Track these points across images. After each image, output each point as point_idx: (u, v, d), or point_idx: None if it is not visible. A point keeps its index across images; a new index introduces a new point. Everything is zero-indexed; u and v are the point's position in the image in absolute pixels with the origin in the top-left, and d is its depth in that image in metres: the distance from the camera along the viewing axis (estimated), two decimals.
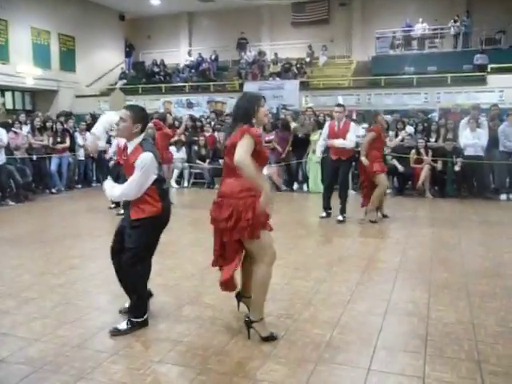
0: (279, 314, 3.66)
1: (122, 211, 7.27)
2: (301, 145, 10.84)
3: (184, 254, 5.62)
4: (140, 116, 3.35)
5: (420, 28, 18.43)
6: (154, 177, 3.32)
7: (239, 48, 20.92)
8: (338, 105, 7.67)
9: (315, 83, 18.03)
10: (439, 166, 9.66)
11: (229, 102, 16.85)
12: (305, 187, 10.90)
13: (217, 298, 3.97)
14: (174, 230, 7.28)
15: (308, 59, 19.64)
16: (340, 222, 7.24)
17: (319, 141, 7.81)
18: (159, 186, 3.39)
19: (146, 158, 3.24)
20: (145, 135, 3.40)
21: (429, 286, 4.28)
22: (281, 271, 4.85)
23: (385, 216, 7.52)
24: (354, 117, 11.90)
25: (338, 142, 7.20)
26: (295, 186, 11.03)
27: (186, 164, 11.61)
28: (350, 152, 7.40)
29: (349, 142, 7.20)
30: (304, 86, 17.22)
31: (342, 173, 7.37)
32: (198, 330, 3.38)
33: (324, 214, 7.60)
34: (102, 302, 4.05)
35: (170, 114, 10.58)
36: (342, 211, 7.33)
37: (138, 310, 3.41)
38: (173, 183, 11.42)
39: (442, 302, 3.91)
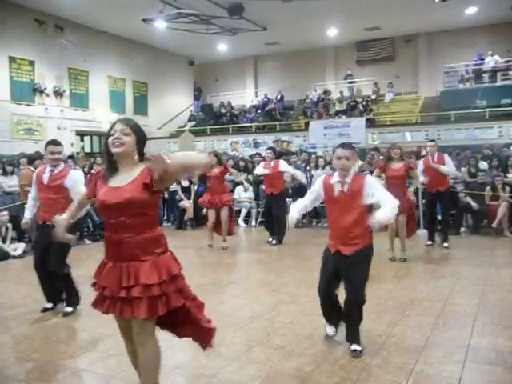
0: (350, 358, 3.55)
1: None
2: None
3: (252, 293, 5.60)
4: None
5: (491, 60, 17.94)
6: None
7: None
8: (431, 140, 8.17)
9: (381, 120, 17.90)
10: None
11: (294, 141, 17.04)
12: None
13: (286, 340, 3.93)
14: (242, 269, 7.36)
15: (374, 96, 19.61)
16: (445, 248, 7.83)
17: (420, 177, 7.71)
18: None
19: None
20: None
21: None
22: None
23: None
24: (424, 153, 11.62)
25: (444, 168, 7.64)
26: None
27: (254, 203, 11.73)
28: (448, 183, 7.92)
29: (452, 169, 7.93)
30: (370, 124, 17.12)
31: (443, 206, 7.95)
32: (268, 373, 3.34)
33: (429, 242, 8.07)
34: (179, 340, 4.08)
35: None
36: (446, 239, 7.92)
37: None
38: (241, 222, 11.54)
39: None
